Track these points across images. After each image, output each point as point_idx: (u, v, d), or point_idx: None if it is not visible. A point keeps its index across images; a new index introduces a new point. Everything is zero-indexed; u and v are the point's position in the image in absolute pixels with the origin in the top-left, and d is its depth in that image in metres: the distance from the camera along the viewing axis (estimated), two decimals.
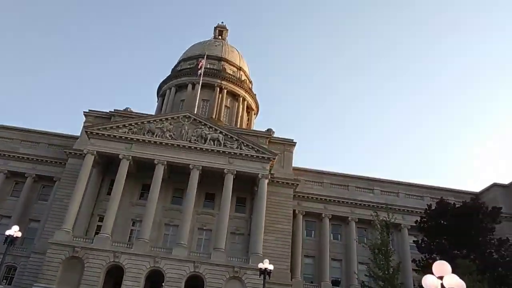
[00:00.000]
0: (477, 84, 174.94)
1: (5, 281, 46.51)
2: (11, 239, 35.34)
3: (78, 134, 57.76)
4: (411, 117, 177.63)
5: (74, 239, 45.17)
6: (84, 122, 57.74)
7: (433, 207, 46.16)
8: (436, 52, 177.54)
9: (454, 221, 42.16)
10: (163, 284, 43.87)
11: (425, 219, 45.80)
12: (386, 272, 23.59)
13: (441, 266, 12.63)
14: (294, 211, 56.37)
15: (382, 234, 25.11)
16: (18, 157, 56.84)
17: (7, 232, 35.72)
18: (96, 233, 48.02)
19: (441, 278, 12.49)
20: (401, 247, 56.42)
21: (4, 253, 35.56)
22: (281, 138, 60.24)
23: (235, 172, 50.45)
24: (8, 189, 56.48)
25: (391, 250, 24.86)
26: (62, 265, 43.33)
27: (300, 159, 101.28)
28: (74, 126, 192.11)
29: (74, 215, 46.64)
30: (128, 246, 45.82)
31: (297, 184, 56.85)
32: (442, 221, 43.62)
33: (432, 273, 12.76)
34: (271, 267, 35.19)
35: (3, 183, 55.90)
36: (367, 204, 58.25)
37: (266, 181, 50.95)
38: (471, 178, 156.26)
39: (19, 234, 36.08)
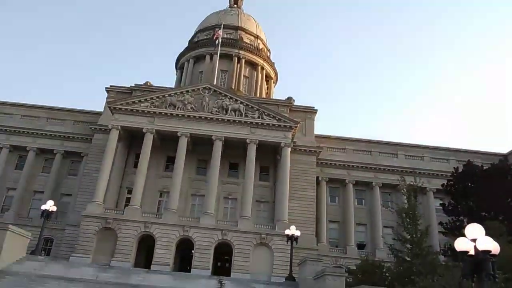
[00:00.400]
0: (501, 42, 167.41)
1: (43, 252, 49.08)
2: (47, 213, 37.34)
3: (101, 110, 58.77)
4: (432, 78, 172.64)
5: (106, 211, 46.90)
6: (107, 98, 58.57)
7: (459, 170, 45.55)
8: (453, 11, 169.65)
9: (482, 183, 41.58)
10: (192, 251, 45.51)
11: (452, 182, 45.35)
12: (414, 236, 23.80)
13: (474, 229, 12.48)
14: (317, 177, 56.64)
15: (409, 198, 25.10)
16: (46, 134, 58.47)
17: (43, 207, 37.72)
18: (126, 205, 49.67)
19: (473, 240, 12.41)
20: (427, 210, 56.15)
21: (42, 226, 37.58)
22: (302, 106, 59.79)
23: (258, 142, 50.70)
24: (39, 166, 58.54)
25: (419, 214, 24.91)
26: (96, 236, 45.34)
27: (322, 126, 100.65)
28: (94, 103, 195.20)
29: (104, 188, 48.20)
30: (157, 216, 47.37)
31: (320, 151, 56.83)
32: (469, 184, 43.09)
33: (462, 236, 12.69)
34: (297, 233, 35.98)
35: (34, 160, 57.85)
36: (391, 169, 58.06)
37: (289, 149, 51.13)
38: (498, 140, 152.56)
39: (54, 209, 38.05)
